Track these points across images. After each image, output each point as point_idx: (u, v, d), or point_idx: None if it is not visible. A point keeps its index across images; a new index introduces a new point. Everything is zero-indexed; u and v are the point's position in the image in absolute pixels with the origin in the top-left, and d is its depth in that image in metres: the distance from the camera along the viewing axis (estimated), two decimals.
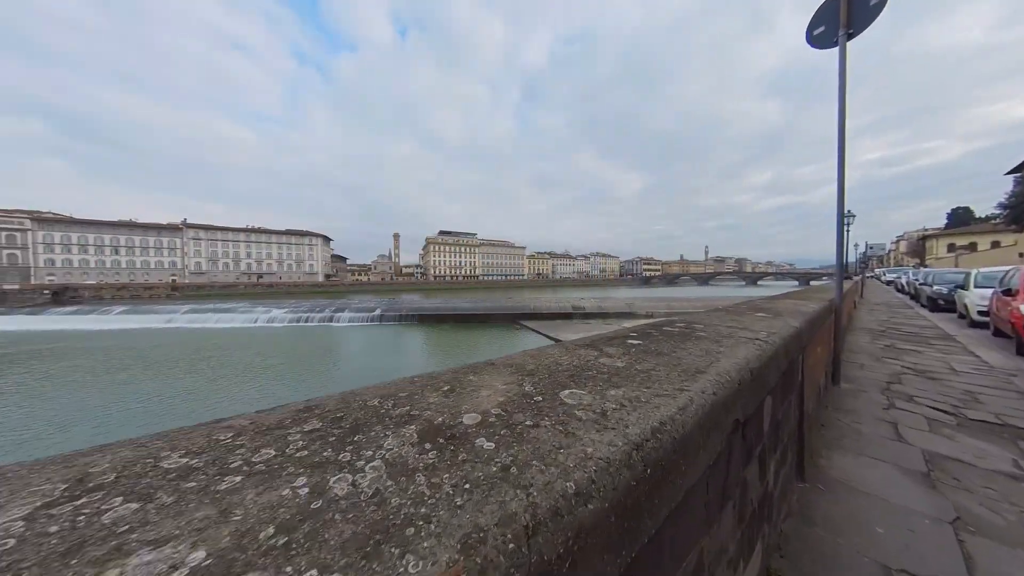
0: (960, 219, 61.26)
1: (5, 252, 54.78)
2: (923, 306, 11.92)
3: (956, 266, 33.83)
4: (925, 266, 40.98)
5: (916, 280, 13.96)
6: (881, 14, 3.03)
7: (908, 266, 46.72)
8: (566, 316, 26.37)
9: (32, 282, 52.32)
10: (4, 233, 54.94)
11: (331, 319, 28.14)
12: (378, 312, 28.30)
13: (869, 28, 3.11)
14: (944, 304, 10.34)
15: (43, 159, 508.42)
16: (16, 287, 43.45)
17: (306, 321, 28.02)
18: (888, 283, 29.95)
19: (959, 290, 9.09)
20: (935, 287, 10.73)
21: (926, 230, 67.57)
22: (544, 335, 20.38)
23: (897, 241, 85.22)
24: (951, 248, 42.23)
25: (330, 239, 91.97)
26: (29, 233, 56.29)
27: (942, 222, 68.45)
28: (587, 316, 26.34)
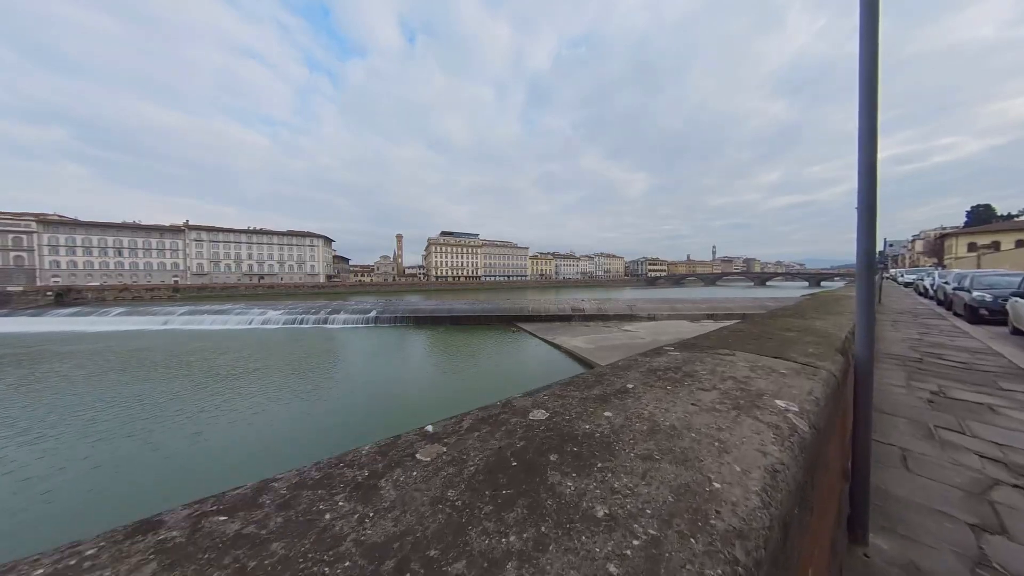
0: (980, 217, 58.72)
1: (12, 254, 55.53)
2: (957, 315, 9.99)
3: (978, 266, 32.08)
4: (944, 266, 39.10)
5: (945, 283, 11.98)
6: None
7: (925, 266, 44.71)
8: (565, 319, 25.51)
9: (37, 284, 52.96)
10: (11, 236, 55.71)
11: (326, 321, 27.73)
12: (373, 314, 27.83)
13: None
14: (988, 315, 8.40)
15: (65, 165, 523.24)
16: (20, 289, 43.80)
17: (301, 323, 27.64)
18: (907, 285, 28.17)
19: (1017, 299, 7.16)
20: (975, 293, 8.87)
21: (944, 229, 65.08)
22: (541, 339, 19.55)
23: (913, 240, 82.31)
24: (972, 247, 40.27)
25: (332, 240, 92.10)
26: (35, 235, 57.05)
27: (960, 220, 65.89)
28: (587, 319, 25.45)
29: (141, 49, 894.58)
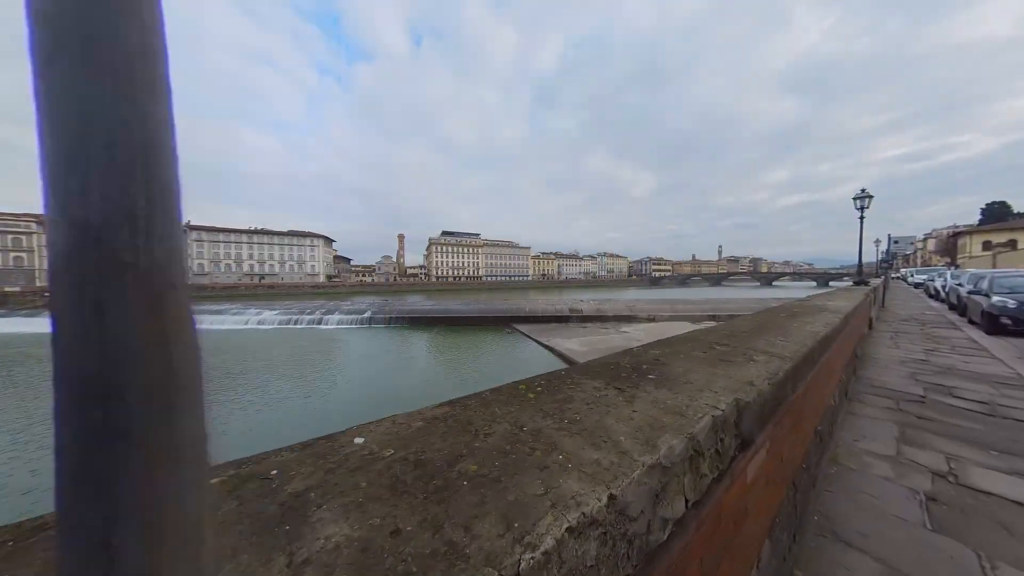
0: (996, 215, 57.00)
1: (11, 255, 56.07)
2: (972, 323, 8.75)
3: (994, 266, 30.88)
4: (957, 266, 37.83)
5: (958, 284, 10.78)
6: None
7: (937, 266, 43.39)
8: (562, 319, 24.92)
9: (37, 284, 53.30)
10: (10, 236, 56.24)
11: (320, 321, 27.47)
12: (368, 315, 27.53)
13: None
14: (1012, 325, 7.15)
15: None
16: (18, 289, 44.04)
17: (295, 323, 27.38)
18: (917, 286, 27.03)
19: None
20: (995, 298, 7.60)
21: (956, 227, 63.36)
22: (536, 340, 18.99)
23: (924, 239, 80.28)
24: (987, 246, 38.96)
25: (332, 240, 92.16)
26: (34, 236, 57.48)
27: (974, 219, 64.17)
28: (584, 320, 24.82)
29: (171, 62, 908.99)
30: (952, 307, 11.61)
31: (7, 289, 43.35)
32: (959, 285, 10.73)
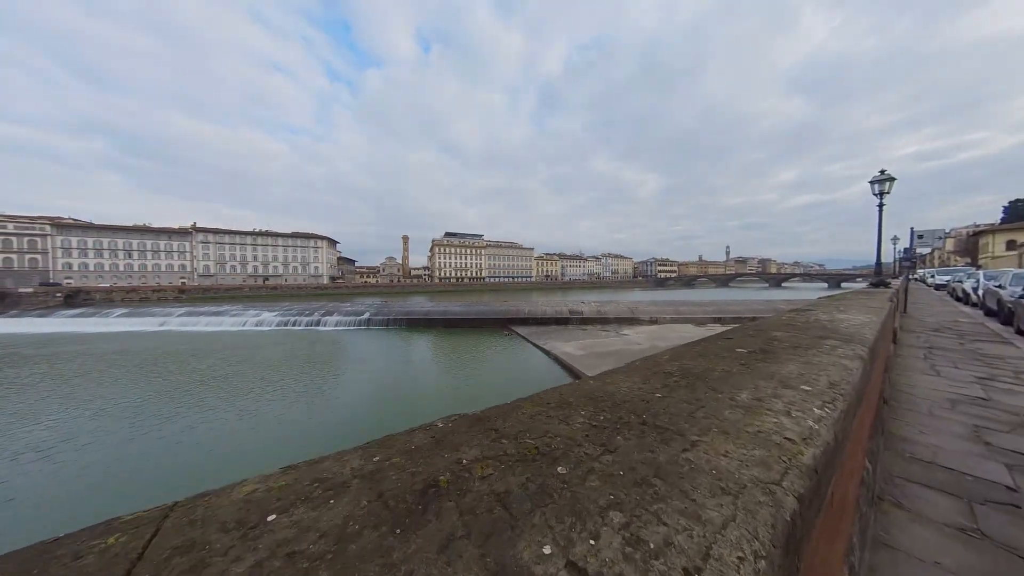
0: (1019, 212, 54.44)
1: (27, 256, 57.29)
2: (1022, 333, 7.43)
3: (1020, 266, 29.22)
4: (979, 266, 36.02)
5: (998, 287, 9.34)
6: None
7: (958, 266, 41.46)
8: (562, 321, 24.20)
9: (50, 285, 54.31)
10: (26, 238, 57.49)
11: (318, 323, 27.25)
12: (366, 316, 27.21)
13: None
14: None
15: (102, 174, 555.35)
16: (30, 290, 44.79)
17: (293, 325, 27.19)
18: (938, 288, 25.49)
19: None
20: None
21: (977, 226, 60.83)
22: (532, 343, 18.33)
23: (943, 237, 77.25)
24: (1011, 245, 37.10)
25: (336, 241, 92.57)
26: (49, 238, 58.73)
27: (995, 217, 61.51)
28: (584, 322, 24.06)
29: (175, 66, 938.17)
30: (990, 313, 10.15)
31: (21, 290, 44.11)
32: (999, 288, 9.32)
